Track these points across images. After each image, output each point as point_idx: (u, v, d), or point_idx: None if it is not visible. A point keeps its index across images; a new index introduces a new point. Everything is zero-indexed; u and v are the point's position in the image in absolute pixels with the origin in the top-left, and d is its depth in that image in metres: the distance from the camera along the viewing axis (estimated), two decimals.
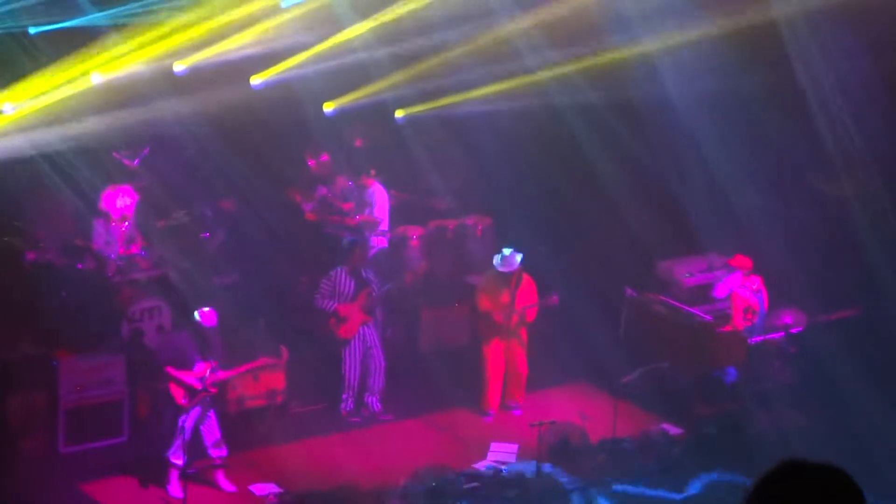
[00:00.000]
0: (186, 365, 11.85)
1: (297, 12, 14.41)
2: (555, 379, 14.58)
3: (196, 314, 11.90)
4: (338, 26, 14.82)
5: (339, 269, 13.75)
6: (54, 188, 14.08)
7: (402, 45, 15.09)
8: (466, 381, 14.00)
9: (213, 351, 11.98)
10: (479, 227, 16.19)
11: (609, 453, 12.79)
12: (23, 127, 13.76)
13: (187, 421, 11.83)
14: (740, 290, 14.21)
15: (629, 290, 13.40)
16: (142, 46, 13.95)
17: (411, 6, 14.48)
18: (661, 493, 12.33)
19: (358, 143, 16.81)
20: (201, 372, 11.85)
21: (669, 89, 14.69)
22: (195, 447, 11.88)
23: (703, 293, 14.88)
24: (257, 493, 12.06)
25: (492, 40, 15.15)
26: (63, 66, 13.70)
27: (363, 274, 13.77)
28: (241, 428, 12.88)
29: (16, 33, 13.50)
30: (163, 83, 14.35)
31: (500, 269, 13.63)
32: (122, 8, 13.67)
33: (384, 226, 15.79)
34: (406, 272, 15.53)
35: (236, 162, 15.15)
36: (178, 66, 14.40)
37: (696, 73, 14.47)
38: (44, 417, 12.63)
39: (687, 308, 14.43)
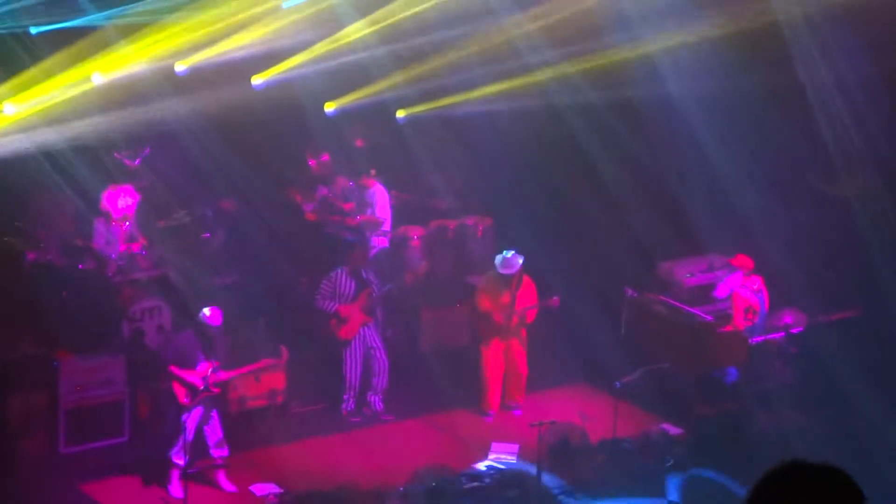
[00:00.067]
0: (190, 364, 11.85)
1: (298, 12, 14.41)
2: (555, 379, 14.58)
3: (201, 313, 11.91)
4: (339, 26, 14.82)
5: (339, 270, 13.75)
6: (55, 188, 14.08)
7: (403, 45, 15.09)
8: (467, 382, 14.00)
9: (217, 350, 11.98)
10: (480, 228, 16.19)
11: (609, 453, 12.79)
12: (24, 127, 13.77)
13: (190, 420, 11.83)
14: (741, 290, 14.21)
15: (629, 291, 13.40)
16: (143, 46, 13.96)
17: (412, 6, 14.49)
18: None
19: (359, 143, 16.81)
20: (203, 371, 11.86)
21: (670, 89, 14.70)
22: (197, 447, 11.88)
23: (703, 293, 14.87)
24: (258, 493, 12.06)
25: (492, 40, 15.16)
26: (64, 66, 13.70)
27: (363, 274, 13.77)
28: (242, 428, 12.88)
29: (17, 33, 13.50)
30: (164, 83, 14.36)
31: (501, 270, 13.61)
32: (124, 8, 13.67)
33: (386, 226, 15.80)
34: (407, 272, 15.53)
35: (237, 162, 15.15)
36: (180, 67, 14.42)
37: (697, 73, 14.48)
38: (44, 417, 12.63)
39: (687, 308, 14.43)
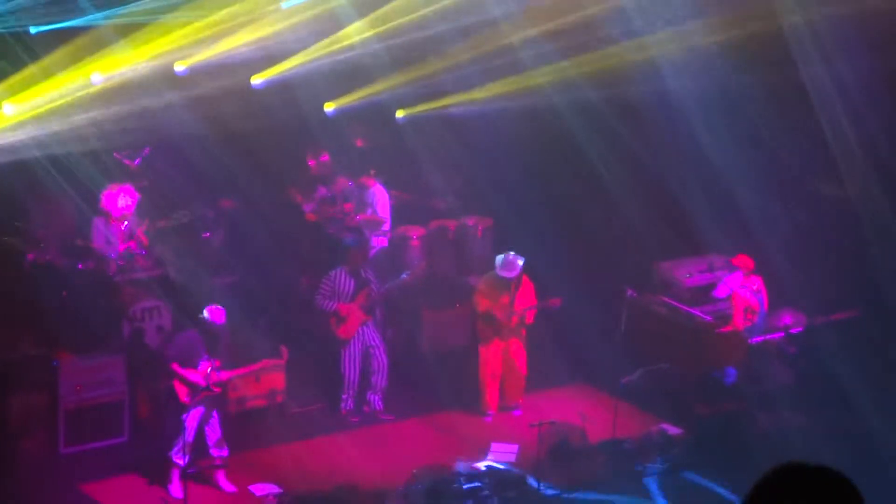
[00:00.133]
0: (192, 363, 11.85)
1: (297, 12, 14.41)
2: (555, 379, 14.59)
3: (204, 311, 11.90)
4: (338, 26, 14.82)
5: (339, 269, 13.76)
6: (55, 188, 14.08)
7: (403, 45, 15.09)
8: (467, 382, 14.00)
9: (220, 349, 11.98)
10: (480, 228, 16.19)
11: (609, 454, 12.79)
12: (23, 127, 13.77)
13: (191, 420, 11.82)
14: (741, 290, 14.22)
15: (629, 291, 13.38)
16: (143, 46, 13.96)
17: (412, 6, 14.48)
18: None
19: (358, 143, 16.82)
20: (205, 370, 11.86)
21: (670, 89, 14.70)
22: (197, 447, 11.88)
23: (703, 293, 14.87)
24: (257, 493, 12.05)
25: (492, 40, 15.15)
26: (64, 65, 13.69)
27: (363, 274, 13.78)
28: (242, 428, 12.88)
29: (17, 33, 13.49)
30: (163, 83, 14.36)
31: (502, 272, 13.59)
32: (123, 8, 13.67)
33: (386, 226, 15.80)
34: (406, 272, 15.52)
35: (237, 162, 15.16)
36: (179, 66, 14.41)
37: (697, 73, 14.47)
38: (44, 417, 12.63)
39: (687, 308, 14.43)
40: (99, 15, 13.58)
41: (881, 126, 14.12)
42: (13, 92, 13.61)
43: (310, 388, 13.80)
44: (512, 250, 13.75)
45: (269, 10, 14.30)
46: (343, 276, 13.70)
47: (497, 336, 13.78)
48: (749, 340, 14.05)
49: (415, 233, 15.92)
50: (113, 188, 14.05)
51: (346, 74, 15.40)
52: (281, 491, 12.02)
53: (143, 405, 13.12)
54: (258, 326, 13.77)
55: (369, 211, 15.70)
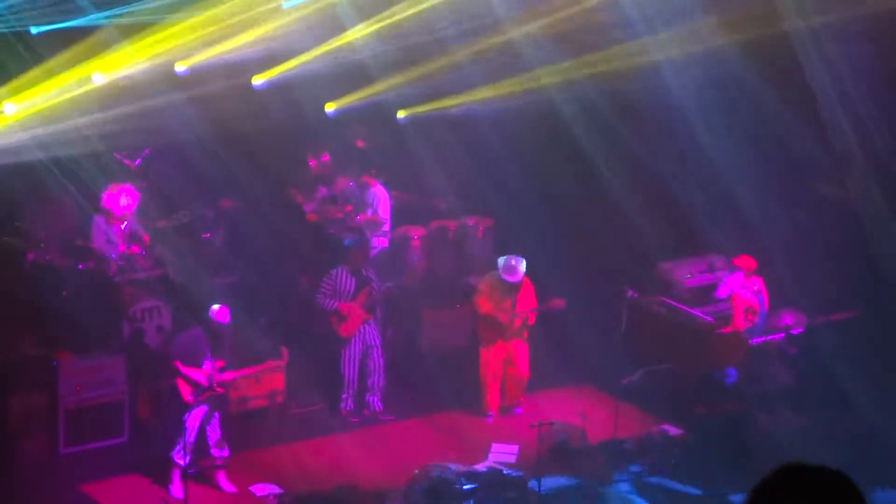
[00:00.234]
0: (196, 362, 11.85)
1: (298, 13, 14.41)
2: (556, 380, 14.58)
3: (210, 311, 11.90)
4: (339, 26, 14.82)
5: (339, 269, 13.76)
6: (55, 188, 14.08)
7: (404, 46, 15.09)
8: (467, 382, 14.00)
9: (224, 349, 11.98)
10: (481, 228, 16.19)
11: (609, 454, 12.78)
12: (24, 127, 13.77)
13: (193, 420, 11.82)
14: (741, 290, 14.21)
15: (630, 291, 13.38)
16: (143, 46, 13.96)
17: (413, 7, 14.48)
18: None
19: (359, 143, 16.82)
20: (208, 370, 11.86)
21: (672, 90, 14.70)
22: (197, 447, 11.88)
23: (703, 294, 14.87)
24: (258, 493, 12.06)
25: (494, 41, 15.15)
26: (64, 65, 13.70)
27: (364, 272, 13.78)
28: (242, 428, 12.88)
29: (18, 33, 13.50)
30: (164, 83, 14.36)
31: (505, 276, 13.57)
32: (124, 8, 13.67)
33: (386, 226, 15.80)
34: (407, 272, 15.53)
35: (237, 162, 15.15)
36: (180, 67, 14.42)
37: (698, 74, 14.47)
38: (44, 418, 12.62)
39: (688, 309, 14.43)
40: (99, 15, 13.58)
41: (881, 126, 14.11)
42: (14, 92, 13.61)
43: (310, 389, 13.80)
44: (512, 251, 13.75)
45: (269, 10, 14.29)
46: (344, 276, 13.70)
47: (500, 338, 13.77)
48: (749, 341, 14.04)
49: (415, 233, 15.92)
50: (114, 188, 14.04)
51: (346, 74, 15.40)
52: (281, 491, 12.02)
53: (143, 405, 13.11)
54: (259, 326, 13.76)
55: (370, 211, 15.70)
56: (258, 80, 15.16)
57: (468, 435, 13.48)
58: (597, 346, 13.94)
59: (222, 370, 11.93)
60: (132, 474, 12.31)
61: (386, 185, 15.91)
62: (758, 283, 14.22)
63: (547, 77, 15.40)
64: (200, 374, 11.83)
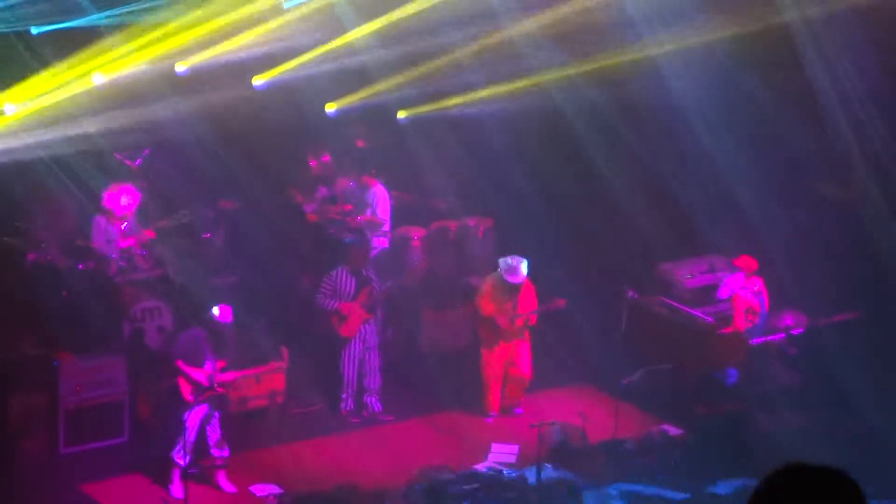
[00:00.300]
0: (197, 361, 11.85)
1: (299, 13, 14.41)
2: (556, 380, 14.57)
3: (211, 311, 11.90)
4: (340, 27, 14.82)
5: (340, 269, 13.76)
6: (55, 188, 14.08)
7: (405, 46, 15.09)
8: (467, 382, 13.99)
9: (226, 349, 11.97)
10: (481, 229, 16.18)
11: (609, 454, 12.78)
12: (24, 127, 13.77)
13: (192, 419, 11.81)
14: (742, 291, 14.21)
15: (630, 292, 13.38)
16: (143, 47, 13.96)
17: (414, 7, 14.48)
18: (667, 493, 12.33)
19: (360, 143, 16.81)
20: (210, 370, 11.86)
21: (672, 90, 14.70)
22: (198, 447, 11.88)
23: (704, 294, 14.87)
24: (258, 493, 12.05)
25: (494, 41, 15.15)
26: (65, 66, 13.70)
27: (364, 272, 13.78)
28: (242, 428, 12.87)
29: (18, 33, 13.50)
30: (164, 84, 14.36)
31: (507, 277, 13.56)
32: (124, 8, 13.67)
33: (386, 227, 15.80)
34: (407, 273, 15.53)
35: (238, 162, 15.15)
36: (180, 67, 14.42)
37: (698, 74, 14.47)
38: (44, 418, 12.62)
39: (688, 309, 14.43)
40: (100, 15, 13.59)
41: (882, 126, 14.11)
42: (14, 92, 13.61)
43: (310, 389, 13.79)
44: (513, 251, 13.73)
45: (269, 10, 14.29)
46: (344, 276, 13.70)
47: (501, 339, 13.77)
48: (750, 341, 14.04)
49: (416, 233, 15.91)
50: (115, 188, 14.05)
51: (347, 75, 15.40)
52: (281, 491, 12.02)
53: (143, 405, 13.11)
54: (259, 327, 13.75)
55: (370, 211, 15.69)
56: (258, 81, 15.16)
57: (468, 435, 13.47)
58: (597, 346, 13.94)
59: (223, 370, 11.93)
60: (132, 474, 12.31)
61: (386, 185, 15.90)
62: (758, 284, 14.22)
63: (547, 77, 15.40)
64: (201, 374, 11.83)
